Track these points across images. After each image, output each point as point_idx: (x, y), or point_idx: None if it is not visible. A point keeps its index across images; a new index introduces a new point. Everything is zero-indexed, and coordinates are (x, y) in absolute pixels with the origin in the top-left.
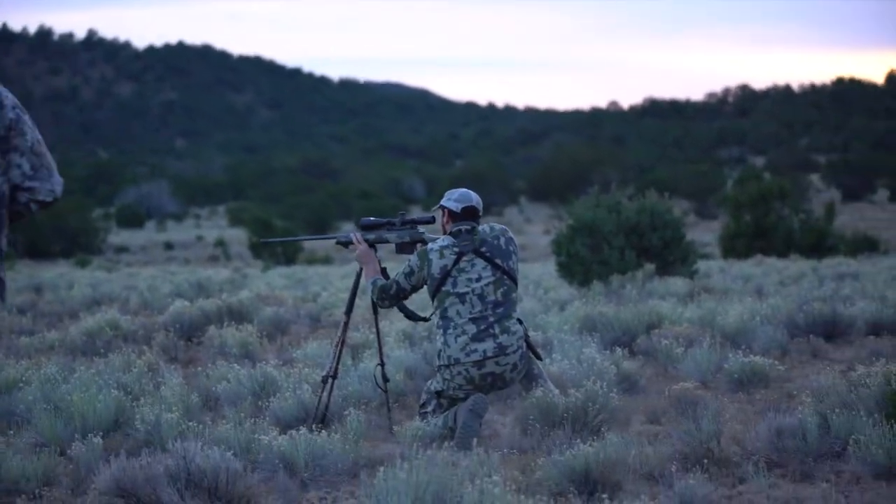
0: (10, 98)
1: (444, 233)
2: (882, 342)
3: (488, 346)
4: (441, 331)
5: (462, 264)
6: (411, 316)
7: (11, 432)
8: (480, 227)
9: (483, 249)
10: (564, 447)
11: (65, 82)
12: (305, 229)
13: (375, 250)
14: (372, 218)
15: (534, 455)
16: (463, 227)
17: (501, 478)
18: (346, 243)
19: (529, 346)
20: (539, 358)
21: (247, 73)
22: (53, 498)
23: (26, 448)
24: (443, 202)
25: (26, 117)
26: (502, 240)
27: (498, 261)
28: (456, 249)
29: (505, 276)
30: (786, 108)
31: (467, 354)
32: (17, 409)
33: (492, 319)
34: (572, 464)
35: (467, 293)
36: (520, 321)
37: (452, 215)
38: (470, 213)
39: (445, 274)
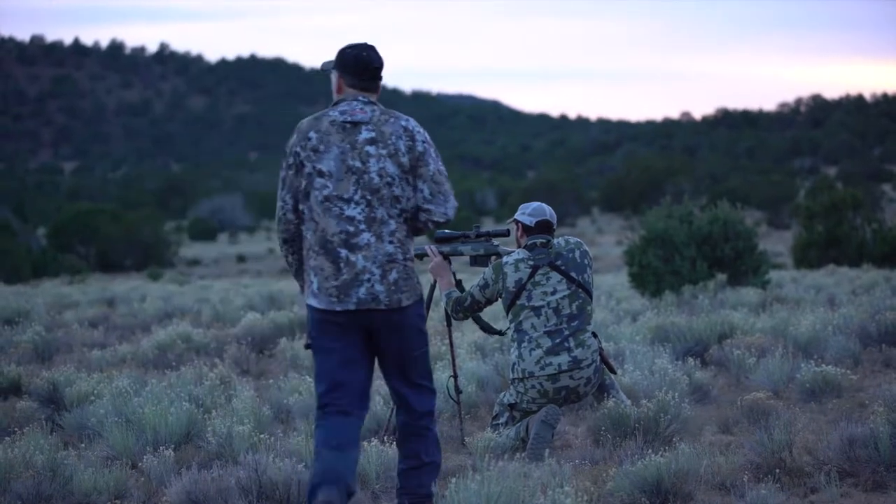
0: (420, 133)
1: (519, 246)
2: None
3: (563, 359)
4: (515, 344)
5: (537, 277)
6: (487, 329)
7: (83, 445)
8: (555, 241)
9: (558, 263)
10: (636, 458)
11: (137, 96)
12: None
13: (450, 263)
14: (447, 230)
15: (606, 466)
16: (538, 241)
17: (573, 488)
18: (421, 255)
19: (604, 360)
20: (613, 371)
21: (319, 86)
22: None
23: (98, 461)
24: (517, 216)
25: (431, 150)
26: (577, 253)
27: (573, 274)
28: (531, 263)
29: (580, 290)
30: (858, 118)
31: (542, 368)
32: (88, 422)
33: (567, 333)
34: (644, 474)
35: (542, 306)
36: (594, 334)
37: (526, 229)
38: (544, 227)
39: (520, 287)
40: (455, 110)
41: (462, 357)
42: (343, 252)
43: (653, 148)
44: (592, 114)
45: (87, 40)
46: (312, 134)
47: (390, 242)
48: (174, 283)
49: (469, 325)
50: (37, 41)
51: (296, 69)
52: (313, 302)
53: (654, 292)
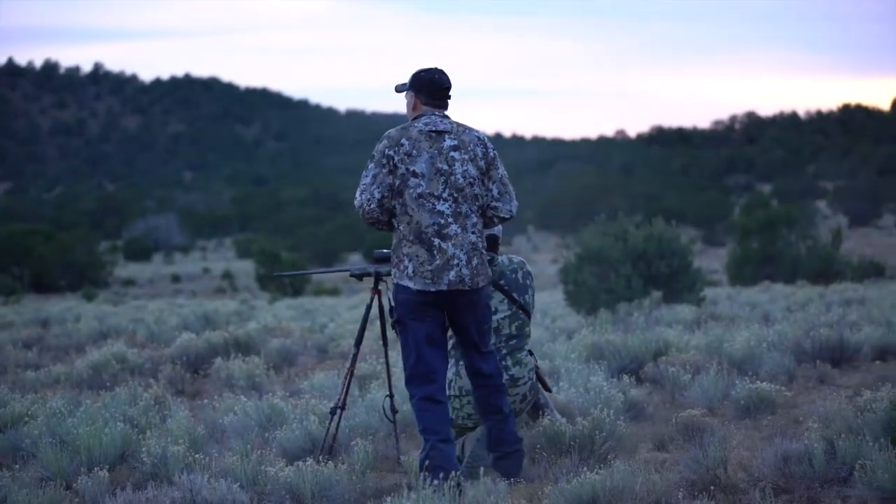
0: (489, 142)
1: None
2: (888, 367)
3: None
4: (453, 361)
5: None
6: None
7: (17, 466)
8: (499, 259)
9: (501, 282)
10: (571, 475)
11: (71, 116)
12: (313, 261)
13: (386, 285)
14: (386, 250)
15: (541, 483)
16: None
17: None
18: (360, 275)
19: (539, 378)
20: (548, 389)
21: (254, 105)
22: None
23: (32, 482)
24: None
25: (498, 157)
26: (520, 273)
27: (515, 295)
28: None
29: (520, 311)
30: (792, 135)
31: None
32: (22, 443)
33: (504, 351)
34: (579, 492)
35: None
36: (531, 352)
37: None
38: (489, 245)
39: None
40: (390, 129)
41: (397, 376)
42: (436, 241)
43: (588, 166)
44: (527, 132)
45: (21, 60)
46: (404, 141)
47: (472, 233)
48: (109, 303)
49: None
50: None
51: (230, 88)
52: (409, 284)
53: (589, 310)
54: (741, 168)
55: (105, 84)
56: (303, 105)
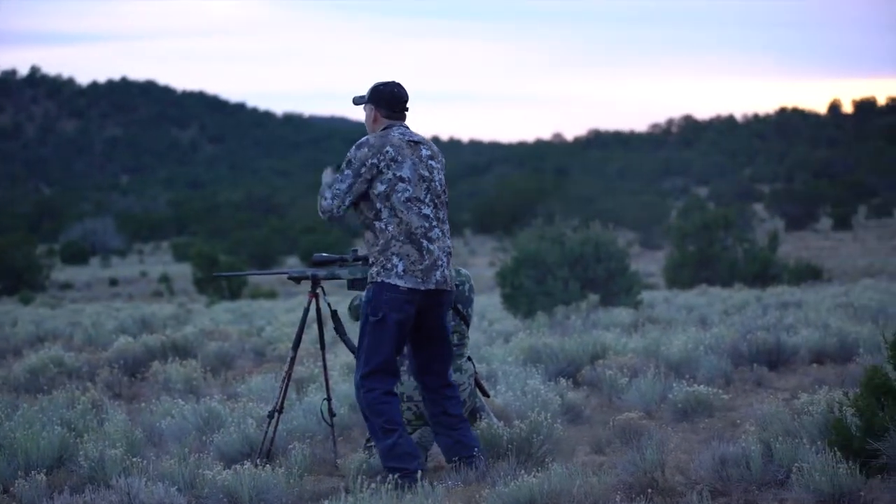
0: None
1: None
2: (825, 370)
3: None
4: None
5: None
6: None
7: None
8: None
9: None
10: (509, 478)
11: (8, 119)
12: (250, 264)
13: (322, 289)
14: (324, 254)
15: (478, 487)
16: None
17: None
18: (298, 279)
19: (477, 384)
20: (486, 395)
21: (191, 109)
22: None
23: None
24: None
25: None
26: (467, 286)
27: (459, 306)
28: None
29: (462, 322)
30: (729, 139)
31: (419, 392)
32: None
33: None
34: (517, 495)
35: None
36: (470, 359)
37: None
38: None
39: None
40: (328, 133)
41: (335, 379)
42: (424, 243)
43: (525, 169)
44: (464, 136)
45: None
46: (388, 148)
47: (447, 237)
48: (46, 306)
49: (343, 347)
50: None
51: (167, 92)
52: (398, 282)
53: (526, 313)
54: (678, 171)
55: (42, 87)
56: (240, 109)
